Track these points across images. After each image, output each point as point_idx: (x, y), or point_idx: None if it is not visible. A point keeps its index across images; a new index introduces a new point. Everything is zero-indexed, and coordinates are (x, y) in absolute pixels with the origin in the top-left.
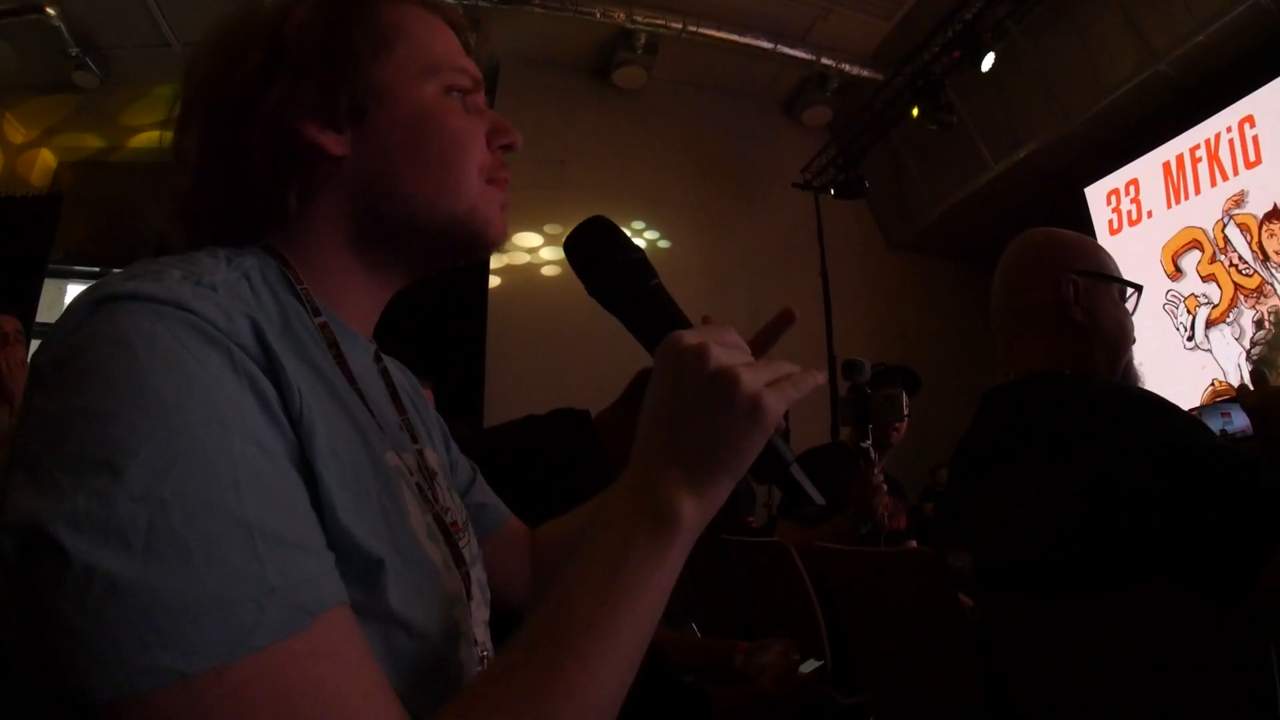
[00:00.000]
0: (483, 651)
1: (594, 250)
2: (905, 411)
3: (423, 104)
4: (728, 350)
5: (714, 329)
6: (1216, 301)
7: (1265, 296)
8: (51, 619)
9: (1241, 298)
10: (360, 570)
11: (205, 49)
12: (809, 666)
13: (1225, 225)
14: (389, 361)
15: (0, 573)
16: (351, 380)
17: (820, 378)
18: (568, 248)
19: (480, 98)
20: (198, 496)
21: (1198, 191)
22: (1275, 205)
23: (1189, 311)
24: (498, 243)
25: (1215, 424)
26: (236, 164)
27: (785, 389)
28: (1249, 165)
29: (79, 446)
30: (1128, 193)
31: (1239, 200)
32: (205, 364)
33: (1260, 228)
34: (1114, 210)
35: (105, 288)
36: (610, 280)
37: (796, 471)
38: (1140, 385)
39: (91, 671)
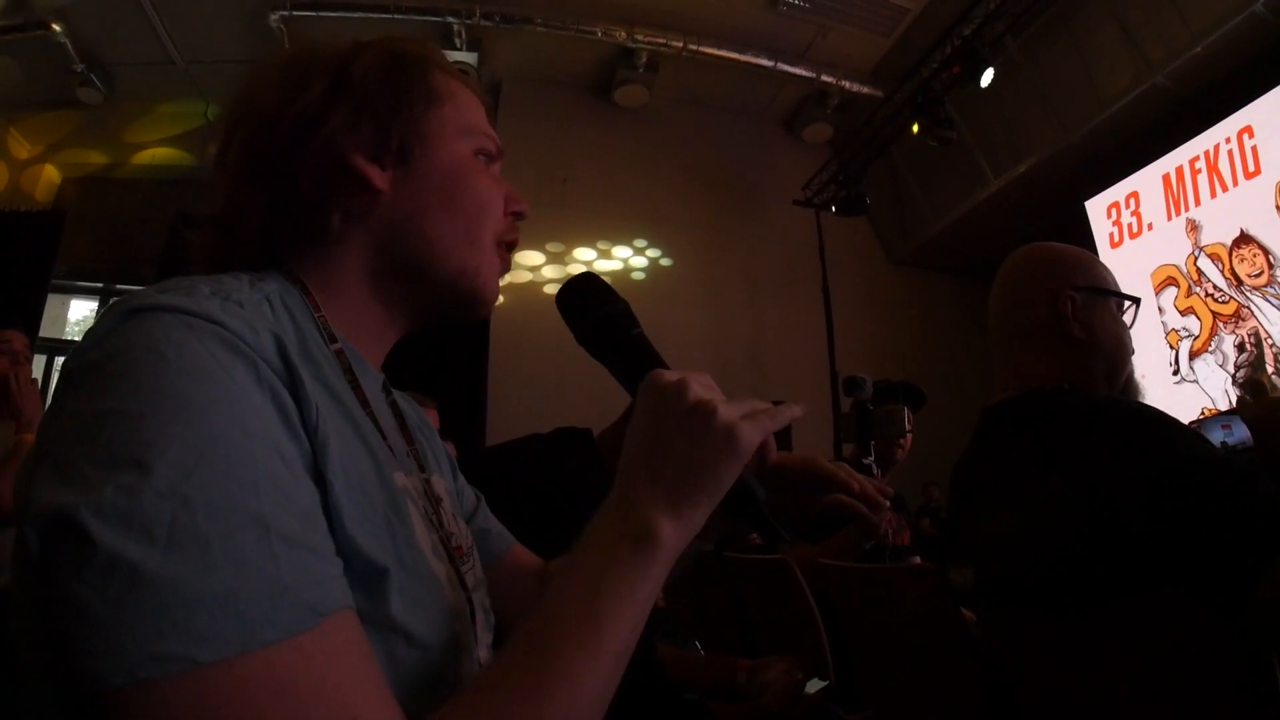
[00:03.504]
0: None
1: (579, 303)
2: (908, 427)
3: (459, 159)
4: (705, 389)
5: (692, 371)
6: (1197, 333)
7: (1243, 320)
8: (70, 604)
9: (1220, 325)
10: (364, 578)
11: (266, 75)
12: (815, 686)
13: (1197, 258)
14: (397, 395)
15: (20, 564)
16: (365, 403)
17: (798, 410)
18: (558, 300)
19: (498, 167)
20: (220, 496)
21: (1197, 203)
22: (1242, 231)
23: (1171, 346)
24: (489, 305)
25: (1216, 436)
26: (286, 182)
27: (761, 420)
28: (1248, 175)
29: (108, 444)
30: (1128, 205)
31: (1194, 227)
32: (231, 373)
33: (1230, 254)
34: (1114, 223)
35: (138, 299)
36: (593, 329)
37: (766, 508)
38: (1141, 398)
39: (106, 657)
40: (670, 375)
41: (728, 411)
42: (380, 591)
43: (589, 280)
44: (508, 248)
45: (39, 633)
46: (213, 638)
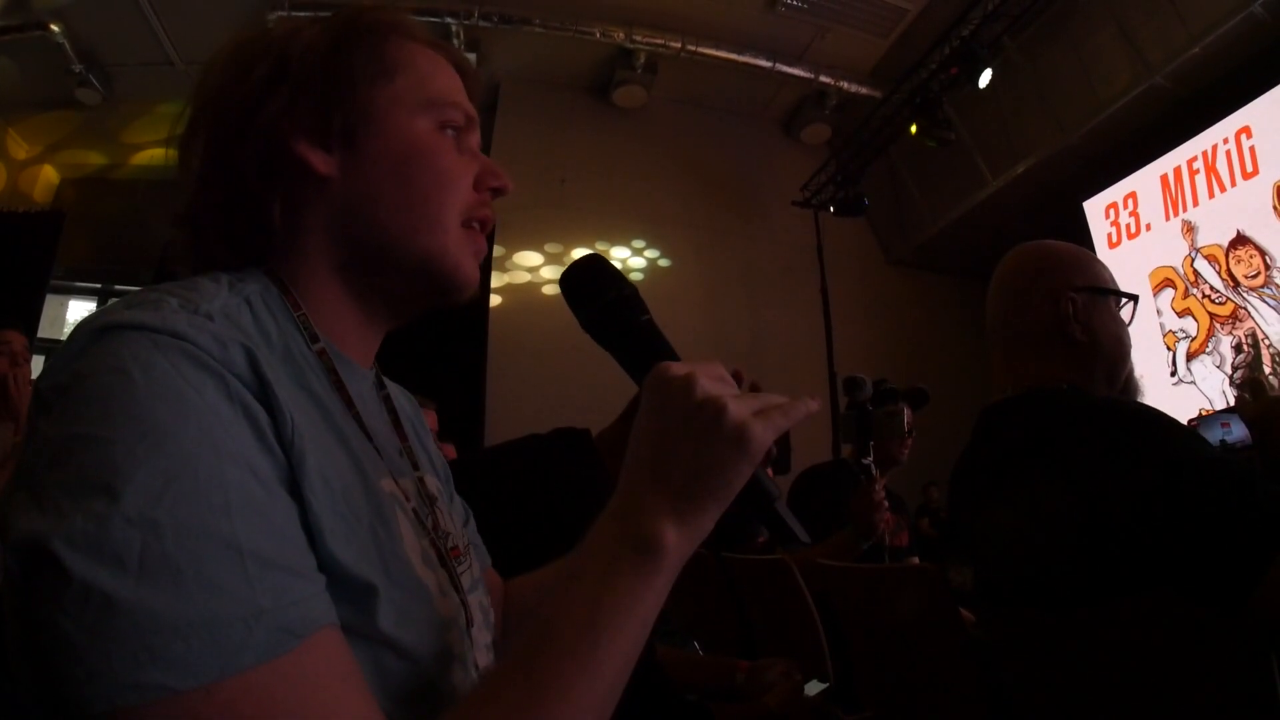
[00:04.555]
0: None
1: (586, 286)
2: (908, 428)
3: (414, 137)
4: (715, 382)
5: (702, 363)
6: (1194, 334)
7: (1240, 321)
8: (50, 632)
9: (1218, 326)
10: (350, 593)
11: (216, 63)
12: (815, 688)
13: (1194, 260)
14: (392, 387)
15: (6, 587)
16: (350, 405)
17: (813, 405)
18: (562, 283)
19: (475, 138)
20: (190, 520)
21: (1195, 203)
22: (1239, 232)
23: (1169, 348)
24: (467, 287)
25: (1214, 435)
26: (233, 173)
27: (774, 417)
28: (1246, 176)
29: (79, 470)
30: (1126, 206)
31: (1190, 229)
32: (200, 392)
33: (1227, 256)
34: (1113, 224)
35: (106, 317)
36: (601, 314)
37: (781, 508)
38: (1140, 397)
39: (86, 684)
40: (678, 368)
41: (738, 409)
42: (368, 606)
43: (595, 263)
44: (480, 226)
45: (27, 650)
46: (189, 665)
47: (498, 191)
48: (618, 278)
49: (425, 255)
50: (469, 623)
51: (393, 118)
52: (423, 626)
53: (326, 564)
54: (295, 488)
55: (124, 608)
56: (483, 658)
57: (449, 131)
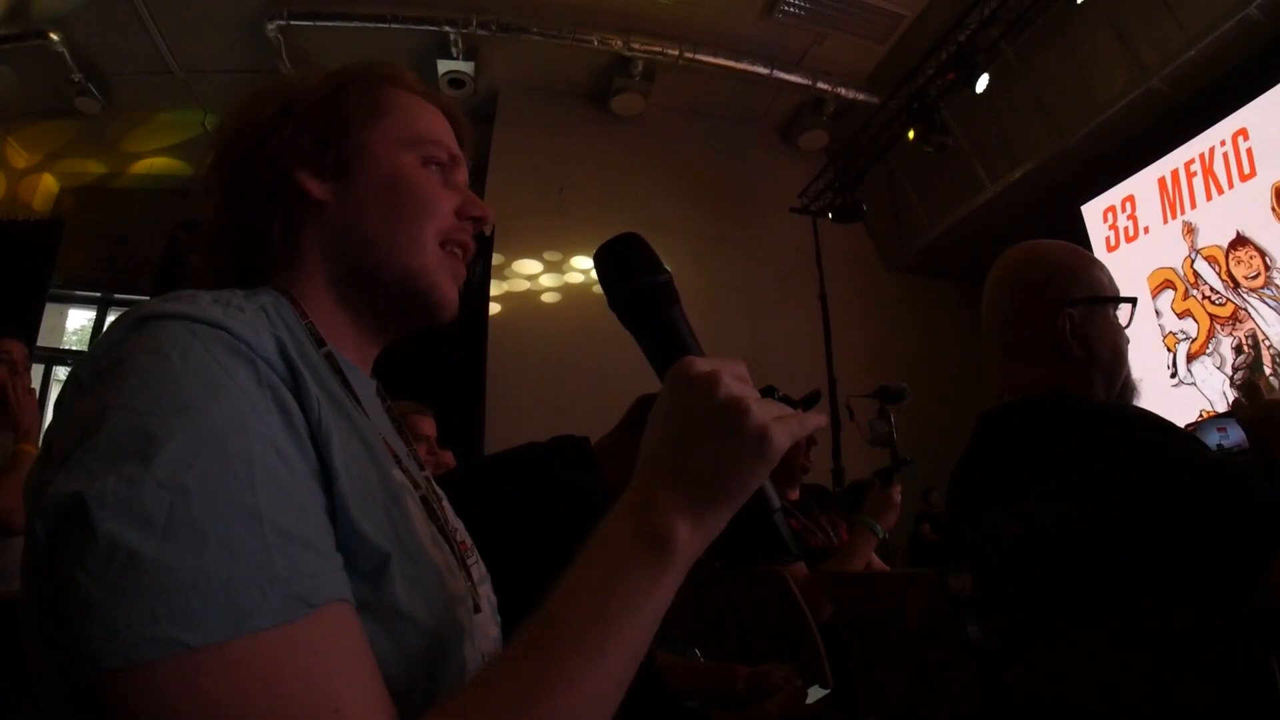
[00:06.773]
0: None
1: (621, 264)
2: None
3: (399, 169)
4: (738, 382)
5: (726, 360)
6: (1194, 335)
7: (1240, 322)
8: (71, 592)
9: (1218, 327)
10: (368, 567)
11: (237, 105)
12: (816, 694)
13: (1194, 261)
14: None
15: (28, 562)
16: (358, 403)
17: (823, 419)
18: (598, 257)
19: (461, 175)
20: (217, 488)
21: (1193, 206)
22: (1238, 233)
23: (1169, 349)
24: (445, 307)
25: (1212, 439)
26: (243, 196)
27: (790, 425)
28: (1244, 178)
29: (112, 437)
30: (1124, 209)
31: (1190, 230)
32: (233, 375)
33: (1227, 257)
34: (1111, 227)
35: (145, 309)
36: (632, 297)
37: (779, 519)
38: (1137, 400)
39: (103, 640)
40: (702, 364)
41: (761, 412)
42: (384, 578)
43: (634, 242)
44: (461, 251)
45: (43, 628)
46: (204, 622)
47: (478, 221)
48: (655, 262)
49: (406, 272)
50: (476, 609)
51: (381, 152)
52: (434, 600)
53: (348, 535)
54: (323, 464)
55: (147, 565)
56: (487, 647)
57: (433, 167)
